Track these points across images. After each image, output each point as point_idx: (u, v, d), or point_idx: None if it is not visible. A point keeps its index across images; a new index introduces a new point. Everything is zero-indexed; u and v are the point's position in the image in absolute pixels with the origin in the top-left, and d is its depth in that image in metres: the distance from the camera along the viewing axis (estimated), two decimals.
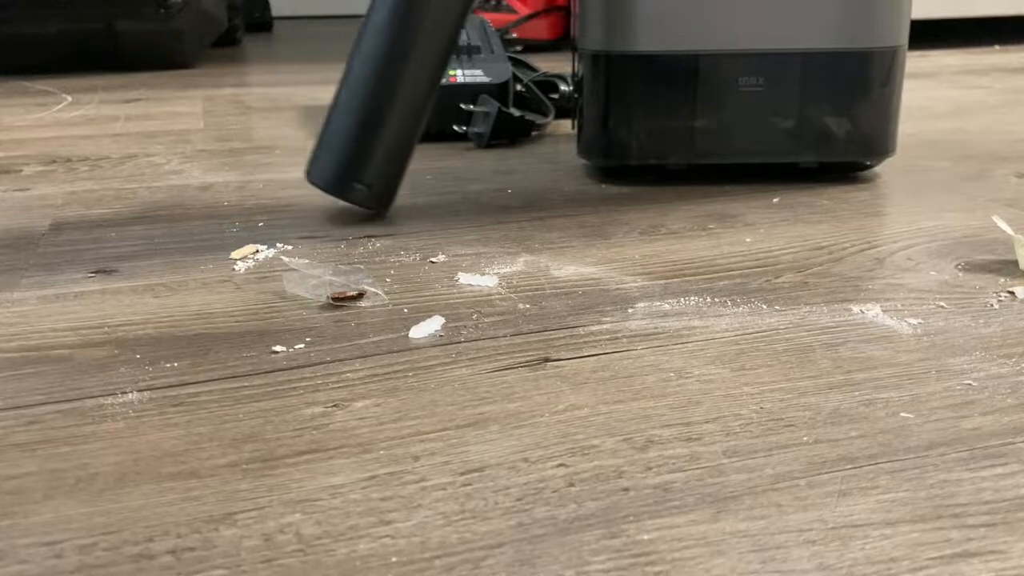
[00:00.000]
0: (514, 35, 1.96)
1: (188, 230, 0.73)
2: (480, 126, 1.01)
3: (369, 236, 0.70)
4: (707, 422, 0.42)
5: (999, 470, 0.37)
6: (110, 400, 0.45)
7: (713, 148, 0.82)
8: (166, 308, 0.56)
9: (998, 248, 0.64)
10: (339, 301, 0.56)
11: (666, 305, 0.55)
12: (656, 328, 0.52)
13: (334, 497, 0.36)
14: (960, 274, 0.60)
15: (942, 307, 0.54)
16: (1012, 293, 0.56)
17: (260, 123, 1.20)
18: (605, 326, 0.53)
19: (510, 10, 2.07)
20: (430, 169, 0.91)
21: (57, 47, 1.78)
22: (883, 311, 0.54)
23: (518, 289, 0.58)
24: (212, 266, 0.64)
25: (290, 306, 0.56)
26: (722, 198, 0.79)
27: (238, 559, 0.33)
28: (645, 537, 0.34)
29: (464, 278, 0.60)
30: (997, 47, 1.88)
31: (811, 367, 0.47)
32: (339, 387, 0.46)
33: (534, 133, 1.05)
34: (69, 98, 1.44)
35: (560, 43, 2.01)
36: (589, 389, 0.45)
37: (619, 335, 0.51)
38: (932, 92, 1.35)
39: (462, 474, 0.38)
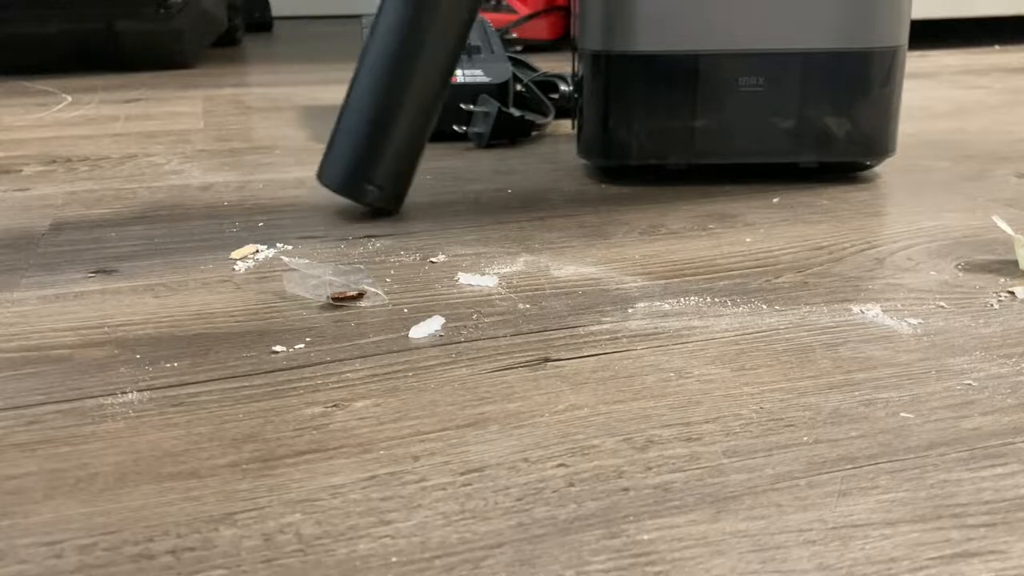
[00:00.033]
0: (514, 35, 1.96)
1: (188, 230, 0.73)
2: (480, 126, 1.01)
3: (369, 236, 0.70)
4: (707, 422, 0.42)
5: (999, 470, 0.37)
6: (110, 400, 0.45)
7: (713, 148, 0.82)
8: (166, 308, 0.56)
9: (998, 248, 0.64)
10: (339, 301, 0.56)
11: (666, 305, 0.55)
12: (656, 328, 0.52)
13: (334, 497, 0.36)
14: (960, 274, 0.60)
15: (942, 307, 0.54)
16: (1012, 293, 0.56)
17: (260, 123, 1.20)
18: (605, 326, 0.53)
19: (510, 10, 2.07)
20: (430, 169, 0.91)
21: (57, 47, 1.78)
22: (883, 311, 0.54)
23: (518, 289, 0.58)
24: (212, 266, 0.64)
25: (290, 306, 0.56)
26: (722, 198, 0.79)
27: (238, 559, 0.33)
28: (645, 537, 0.34)
29: (464, 278, 0.60)
30: (997, 47, 1.88)
31: (811, 367, 0.47)
32: (339, 387, 0.46)
33: (534, 133, 1.05)
34: (69, 98, 1.44)
35: (560, 43, 2.01)
36: (589, 389, 0.45)
37: (619, 335, 0.51)
38: (932, 92, 1.35)
39: (462, 474, 0.38)
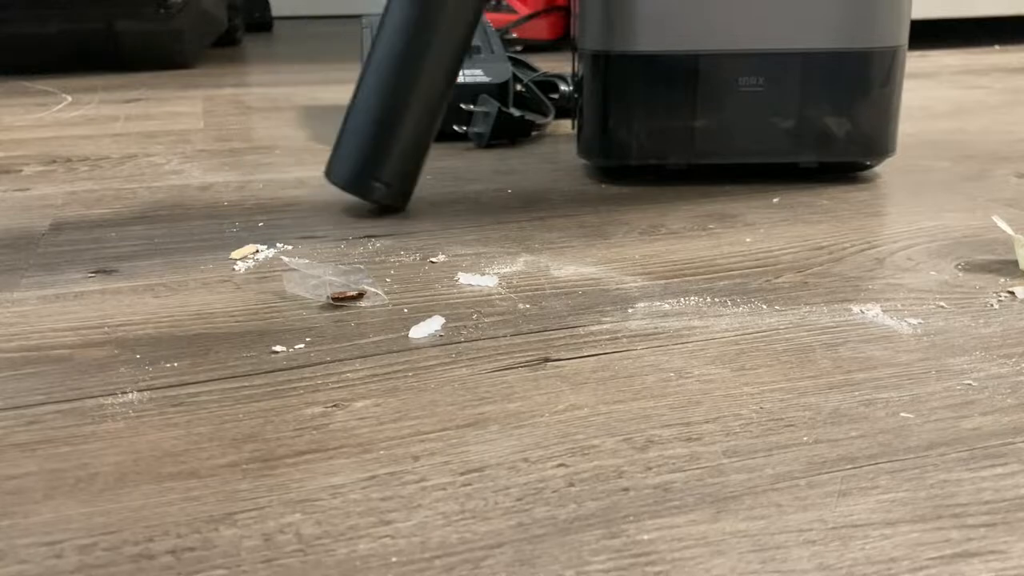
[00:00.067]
0: (514, 35, 1.96)
1: (188, 230, 0.73)
2: (480, 126, 1.01)
3: (369, 236, 0.70)
4: (707, 422, 0.42)
5: (999, 470, 0.37)
6: (110, 400, 0.45)
7: (713, 148, 0.82)
8: (166, 308, 0.56)
9: (998, 248, 0.64)
10: (339, 301, 0.56)
11: (666, 305, 0.55)
12: (656, 328, 0.52)
13: (334, 497, 0.36)
14: (960, 274, 0.60)
15: (942, 307, 0.54)
16: (1012, 293, 0.56)
17: (260, 123, 1.20)
18: (605, 326, 0.53)
19: (510, 10, 2.07)
20: (430, 169, 0.91)
21: (57, 47, 1.78)
22: (883, 311, 0.54)
23: (518, 289, 0.58)
24: (212, 266, 0.64)
25: (290, 306, 0.56)
26: (722, 198, 0.79)
27: (238, 559, 0.33)
28: (645, 537, 0.34)
29: (464, 278, 0.60)
30: (997, 47, 1.88)
31: (811, 367, 0.47)
32: (339, 387, 0.46)
33: (534, 133, 1.05)
34: (69, 98, 1.44)
35: (560, 43, 2.01)
36: (589, 389, 0.45)
37: (619, 335, 0.51)
38: (932, 92, 1.35)
39: (462, 474, 0.38)
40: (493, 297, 0.57)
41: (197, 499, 0.37)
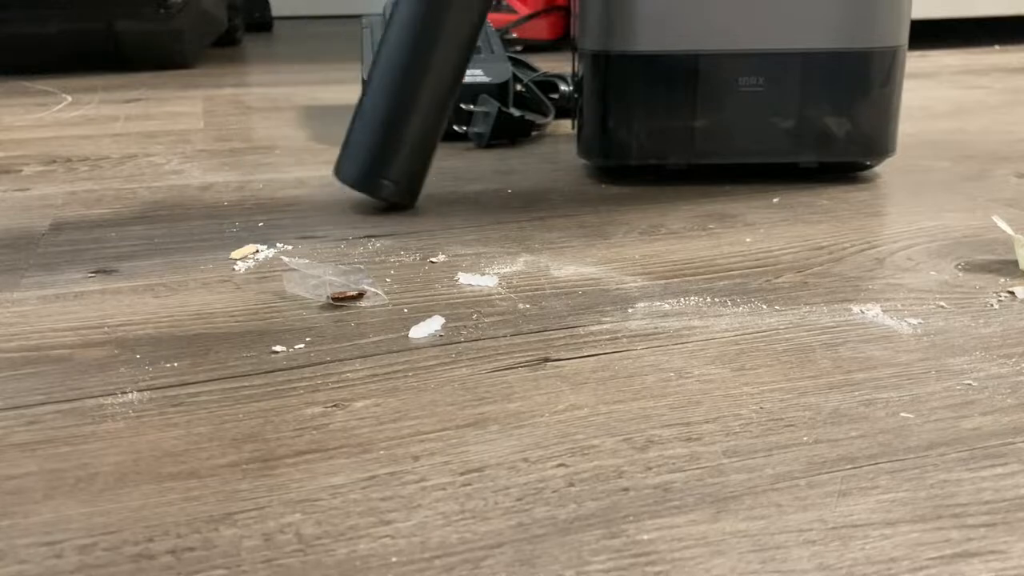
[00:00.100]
0: (514, 35, 1.96)
1: (188, 230, 0.73)
2: (480, 126, 1.01)
3: (369, 236, 0.70)
4: (707, 422, 0.42)
5: (999, 470, 0.37)
6: (110, 400, 0.45)
7: (713, 148, 0.82)
8: (166, 308, 0.56)
9: (998, 248, 0.64)
10: (339, 301, 0.56)
11: (666, 305, 0.55)
12: (656, 328, 0.52)
13: (334, 497, 0.36)
14: (960, 274, 0.60)
15: (942, 307, 0.54)
16: (1012, 293, 0.56)
17: (260, 123, 1.20)
18: (605, 326, 0.53)
19: (510, 10, 2.07)
20: (430, 169, 0.91)
21: (57, 47, 1.78)
22: (883, 311, 0.54)
23: (518, 289, 0.59)
24: (212, 266, 0.64)
25: (290, 306, 0.56)
26: (722, 198, 0.79)
27: (238, 559, 0.33)
28: (645, 537, 0.34)
29: (464, 278, 0.60)
30: (997, 47, 1.88)
31: (811, 367, 0.47)
32: (339, 387, 0.46)
33: (534, 133, 1.05)
34: (69, 98, 1.44)
35: (560, 43, 2.01)
36: (589, 389, 0.45)
37: (619, 335, 0.51)
38: (932, 92, 1.35)
39: (462, 474, 0.38)
40: (493, 297, 0.57)
41: (197, 499, 0.37)
